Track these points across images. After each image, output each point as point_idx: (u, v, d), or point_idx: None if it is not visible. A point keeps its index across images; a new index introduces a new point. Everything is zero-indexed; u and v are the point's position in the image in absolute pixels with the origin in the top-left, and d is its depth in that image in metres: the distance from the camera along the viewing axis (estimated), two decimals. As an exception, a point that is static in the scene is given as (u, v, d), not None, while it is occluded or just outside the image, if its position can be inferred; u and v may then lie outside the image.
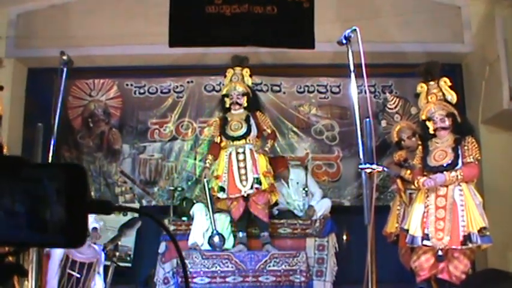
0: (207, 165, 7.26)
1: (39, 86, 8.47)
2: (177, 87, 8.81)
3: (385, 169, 5.05)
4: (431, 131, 6.04)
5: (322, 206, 7.51)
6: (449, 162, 5.81)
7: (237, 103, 7.21)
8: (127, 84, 8.88)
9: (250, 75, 7.43)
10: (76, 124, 8.78)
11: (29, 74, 8.74)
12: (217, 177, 7.03)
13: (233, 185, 6.91)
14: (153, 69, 8.86)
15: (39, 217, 1.12)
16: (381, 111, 8.57)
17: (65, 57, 5.00)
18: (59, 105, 4.88)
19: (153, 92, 8.81)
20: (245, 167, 6.96)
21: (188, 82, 8.84)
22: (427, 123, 6.06)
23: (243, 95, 7.24)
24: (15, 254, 1.19)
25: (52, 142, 4.78)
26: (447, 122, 5.98)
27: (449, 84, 6.17)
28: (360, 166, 4.24)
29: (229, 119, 7.22)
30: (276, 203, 7.59)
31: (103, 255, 6.26)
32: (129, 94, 8.86)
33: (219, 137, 7.24)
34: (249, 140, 7.09)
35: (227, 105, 7.29)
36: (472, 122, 8.00)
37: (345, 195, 8.48)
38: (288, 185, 7.80)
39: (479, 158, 5.89)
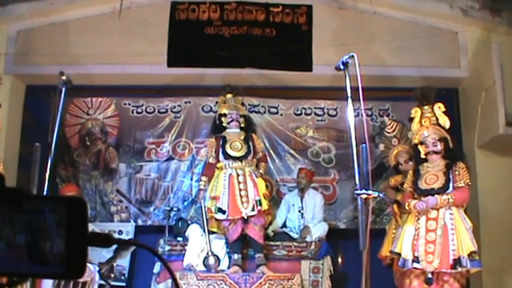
0: (201, 186, 7.26)
1: (37, 103, 8.48)
2: (175, 107, 8.82)
3: (381, 195, 5.08)
4: (422, 155, 6.10)
5: (319, 229, 7.53)
6: (441, 186, 5.88)
7: (237, 121, 7.26)
8: (125, 103, 8.88)
9: (242, 104, 7.53)
10: (73, 142, 8.77)
11: (27, 91, 8.72)
12: (214, 198, 7.02)
13: (234, 207, 6.90)
14: (151, 89, 8.88)
15: (40, 249, 1.14)
16: (378, 134, 8.60)
17: (64, 77, 4.99)
18: (57, 125, 4.88)
19: (150, 112, 8.82)
20: (246, 189, 6.96)
21: (186, 102, 8.84)
22: (419, 147, 6.13)
23: (241, 116, 7.32)
24: (15, 284, 1.20)
25: (49, 162, 4.78)
26: (439, 146, 6.05)
27: (444, 109, 6.22)
28: (356, 192, 4.26)
29: (227, 138, 7.24)
30: (270, 223, 7.63)
31: (97, 275, 6.25)
32: (127, 113, 8.86)
33: (214, 158, 7.24)
34: (248, 162, 7.11)
35: (224, 124, 7.31)
36: (468, 146, 8.08)
37: (341, 217, 8.46)
38: (302, 200, 7.81)
39: (469, 183, 5.96)
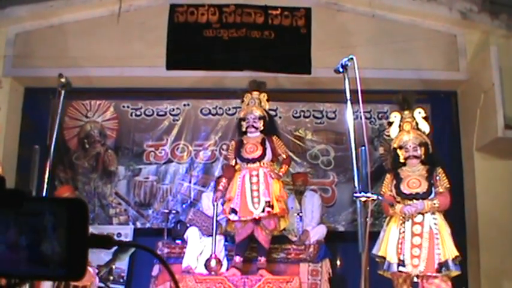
0: (221, 187, 7.20)
1: (36, 105, 8.49)
2: (173, 109, 8.83)
3: (380, 198, 5.07)
4: (401, 160, 6.13)
5: (317, 232, 7.52)
6: (425, 190, 5.95)
7: (253, 126, 7.17)
8: (123, 106, 8.90)
9: (268, 100, 7.43)
10: (72, 145, 8.77)
11: (26, 93, 8.72)
12: (229, 199, 7.00)
13: (245, 208, 6.84)
14: (149, 92, 8.87)
15: (40, 251, 1.13)
16: (377, 137, 8.61)
17: (63, 80, 4.97)
18: (56, 127, 4.87)
19: (149, 114, 8.83)
20: (258, 190, 6.89)
21: (184, 105, 8.86)
22: (398, 151, 6.16)
23: (260, 118, 7.18)
24: (14, 286, 1.20)
25: (48, 164, 4.77)
26: (419, 151, 6.10)
27: (424, 115, 6.24)
28: (355, 194, 4.26)
29: (245, 141, 7.19)
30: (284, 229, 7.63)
31: (97, 278, 6.23)
32: (126, 116, 8.87)
33: (234, 160, 7.22)
34: (264, 164, 7.06)
35: (243, 129, 7.27)
36: (467, 149, 8.09)
37: (340, 220, 8.47)
38: (300, 203, 7.82)
39: (449, 187, 6.01)
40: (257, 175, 6.99)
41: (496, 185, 7.82)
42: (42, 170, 4.89)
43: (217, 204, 7.10)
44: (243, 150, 7.10)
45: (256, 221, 6.90)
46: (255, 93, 7.32)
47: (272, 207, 6.81)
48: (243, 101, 7.42)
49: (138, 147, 8.76)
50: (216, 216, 7.08)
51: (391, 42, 8.07)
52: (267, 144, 7.13)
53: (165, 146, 8.74)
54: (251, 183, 6.95)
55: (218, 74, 8.28)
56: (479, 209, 7.79)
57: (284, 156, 7.30)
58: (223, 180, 7.24)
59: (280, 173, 7.19)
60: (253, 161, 7.03)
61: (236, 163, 7.18)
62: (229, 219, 7.03)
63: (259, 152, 7.05)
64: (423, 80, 8.15)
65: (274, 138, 7.28)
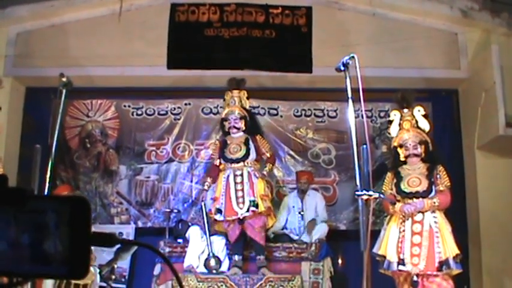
0: (205, 187, 7.27)
1: (37, 105, 8.49)
2: (175, 109, 8.82)
3: (382, 196, 5.07)
4: (402, 158, 6.12)
5: (319, 230, 7.52)
6: (425, 189, 5.93)
7: (235, 127, 7.22)
8: (125, 105, 8.89)
9: (248, 97, 7.44)
10: (73, 144, 8.77)
11: (27, 93, 8.72)
12: (214, 199, 7.04)
13: (230, 207, 6.90)
14: (150, 91, 8.88)
15: (43, 249, 1.13)
16: (378, 135, 8.60)
17: (64, 79, 4.97)
18: (58, 127, 4.87)
19: (150, 114, 8.82)
20: (242, 190, 6.95)
21: (186, 104, 8.85)
22: (399, 149, 6.15)
23: (241, 118, 7.24)
24: (16, 285, 1.20)
25: (50, 164, 4.77)
26: (419, 149, 6.10)
27: (424, 113, 6.23)
28: (357, 193, 4.26)
29: (228, 142, 7.23)
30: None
31: (98, 276, 6.23)
32: (127, 115, 8.87)
33: (218, 160, 7.24)
34: (248, 163, 7.09)
35: (226, 129, 7.30)
36: (468, 147, 8.09)
37: (341, 219, 8.46)
38: (302, 201, 7.83)
39: (450, 185, 6.00)
40: (241, 175, 7.03)
41: (497, 183, 7.82)
42: (44, 169, 4.89)
43: (205, 204, 7.14)
44: (226, 150, 7.14)
45: (242, 221, 6.93)
46: (235, 92, 7.34)
47: (257, 206, 6.85)
48: (224, 100, 7.45)
49: (139, 147, 8.76)
50: (207, 215, 7.11)
51: (392, 41, 8.07)
52: (251, 144, 7.17)
53: (166, 145, 8.73)
54: (235, 183, 7.00)
55: (219, 72, 8.26)
56: (481, 207, 7.78)
57: (268, 155, 7.34)
58: (208, 179, 7.29)
59: (265, 172, 7.22)
60: (237, 161, 7.07)
61: (220, 163, 7.20)
62: (215, 220, 7.05)
63: (242, 152, 7.10)
64: (424, 79, 8.15)
65: (258, 137, 7.32)
